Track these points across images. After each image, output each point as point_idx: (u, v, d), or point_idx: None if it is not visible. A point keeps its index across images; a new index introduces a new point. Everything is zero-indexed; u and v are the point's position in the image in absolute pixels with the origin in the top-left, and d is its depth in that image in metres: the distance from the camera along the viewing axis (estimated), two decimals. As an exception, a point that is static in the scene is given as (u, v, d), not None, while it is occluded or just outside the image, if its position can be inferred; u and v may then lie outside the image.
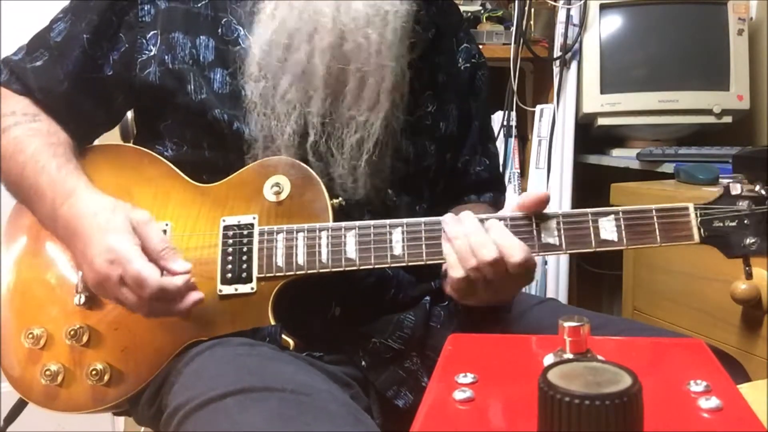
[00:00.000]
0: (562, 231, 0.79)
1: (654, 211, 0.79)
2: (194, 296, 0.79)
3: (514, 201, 0.83)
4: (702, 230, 0.78)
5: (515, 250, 0.76)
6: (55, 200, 0.83)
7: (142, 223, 0.80)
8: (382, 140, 0.87)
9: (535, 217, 0.80)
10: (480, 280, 0.77)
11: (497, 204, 1.07)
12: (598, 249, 0.79)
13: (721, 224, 0.78)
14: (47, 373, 0.85)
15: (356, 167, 0.86)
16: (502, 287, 0.79)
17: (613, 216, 0.79)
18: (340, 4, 0.84)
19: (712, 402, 0.49)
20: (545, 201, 0.80)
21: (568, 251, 0.80)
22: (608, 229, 0.79)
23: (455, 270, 0.77)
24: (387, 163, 0.89)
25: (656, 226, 0.79)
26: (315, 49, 0.84)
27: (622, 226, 0.79)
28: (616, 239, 0.79)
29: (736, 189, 0.79)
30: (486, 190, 1.07)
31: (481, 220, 0.79)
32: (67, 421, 1.56)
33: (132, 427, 1.72)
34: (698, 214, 0.79)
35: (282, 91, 0.85)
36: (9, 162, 0.87)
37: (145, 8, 0.90)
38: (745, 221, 0.78)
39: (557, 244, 0.79)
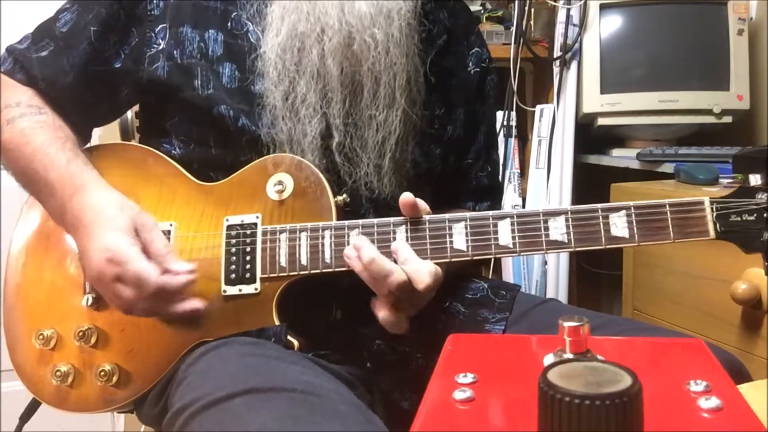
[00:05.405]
0: (570, 228, 0.77)
1: (668, 205, 0.76)
2: (193, 303, 0.80)
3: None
4: (718, 225, 0.76)
5: (423, 276, 0.76)
6: (65, 194, 0.83)
7: (146, 228, 0.80)
8: (403, 137, 0.87)
9: (542, 213, 0.78)
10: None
11: None
12: (608, 246, 0.77)
13: (739, 218, 0.75)
14: (58, 373, 0.85)
15: (381, 166, 0.86)
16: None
17: (624, 211, 0.77)
18: (344, 4, 0.84)
19: (712, 402, 0.49)
20: (409, 204, 0.79)
21: (577, 248, 0.78)
22: (619, 225, 0.76)
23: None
24: (409, 160, 0.89)
25: (669, 221, 0.76)
26: (325, 50, 0.84)
27: (634, 222, 0.76)
28: (627, 236, 0.76)
29: (755, 180, 0.76)
30: (484, 198, 1.06)
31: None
32: (67, 421, 1.56)
33: (132, 427, 1.72)
34: (714, 209, 0.76)
35: (301, 94, 0.85)
36: (16, 153, 0.87)
37: (154, 2, 0.90)
38: (765, 215, 0.75)
39: (565, 241, 0.77)
